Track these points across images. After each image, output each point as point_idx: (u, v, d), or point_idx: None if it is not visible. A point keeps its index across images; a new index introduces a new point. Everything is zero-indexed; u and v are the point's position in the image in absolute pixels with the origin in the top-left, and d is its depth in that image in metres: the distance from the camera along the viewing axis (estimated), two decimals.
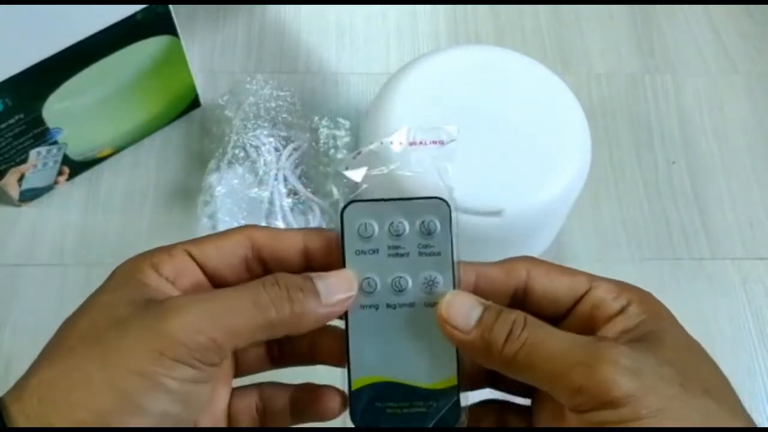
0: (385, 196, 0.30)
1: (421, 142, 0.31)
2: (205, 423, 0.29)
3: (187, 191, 0.60)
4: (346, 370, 0.30)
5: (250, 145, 0.58)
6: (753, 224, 0.62)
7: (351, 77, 0.68)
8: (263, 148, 0.58)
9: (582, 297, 0.29)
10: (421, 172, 0.30)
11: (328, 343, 0.31)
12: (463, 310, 0.28)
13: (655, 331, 0.27)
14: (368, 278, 0.30)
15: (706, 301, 0.58)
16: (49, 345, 0.27)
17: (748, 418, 0.26)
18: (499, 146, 0.49)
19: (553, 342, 0.26)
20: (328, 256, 0.30)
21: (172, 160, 0.63)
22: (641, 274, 0.59)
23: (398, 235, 0.30)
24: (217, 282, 0.30)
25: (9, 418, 0.24)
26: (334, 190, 0.31)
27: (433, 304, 0.29)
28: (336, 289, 0.28)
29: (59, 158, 0.58)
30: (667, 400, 0.24)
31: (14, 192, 0.58)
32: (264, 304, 0.27)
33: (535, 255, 0.56)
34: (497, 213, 0.47)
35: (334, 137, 0.60)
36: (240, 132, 0.59)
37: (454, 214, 0.30)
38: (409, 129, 0.31)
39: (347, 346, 0.30)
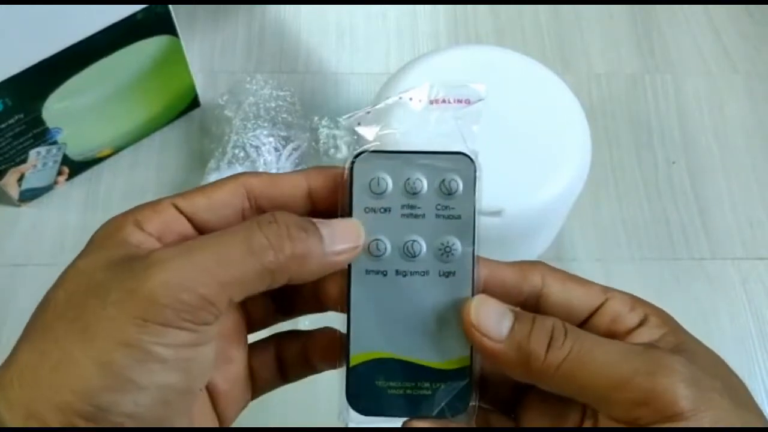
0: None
1: (443, 101, 0.27)
2: (224, 386, 0.27)
3: None
4: (345, 343, 0.27)
5: (250, 145, 0.58)
6: (753, 224, 0.62)
7: (351, 77, 0.68)
8: (263, 148, 0.58)
9: (597, 309, 0.27)
10: (442, 134, 0.27)
11: (331, 289, 0.27)
12: (493, 316, 0.25)
13: (681, 343, 0.25)
14: (377, 240, 0.26)
15: (706, 301, 0.58)
16: (27, 326, 0.24)
17: None
18: (498, 146, 0.49)
19: (603, 351, 0.24)
20: (335, 196, 0.27)
21: (172, 160, 0.63)
22: (641, 274, 0.59)
23: (414, 194, 0.26)
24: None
25: None
26: (344, 148, 0.28)
27: (448, 274, 0.27)
28: (341, 237, 0.25)
29: (59, 158, 0.58)
30: (724, 414, 0.23)
31: (14, 192, 0.58)
32: (259, 248, 0.24)
33: (535, 255, 0.57)
34: (497, 213, 0.47)
35: (334, 137, 0.60)
36: (240, 132, 0.59)
37: (479, 174, 0.27)
38: (432, 85, 0.27)
39: (348, 315, 0.27)
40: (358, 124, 0.27)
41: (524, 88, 0.52)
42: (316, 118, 0.61)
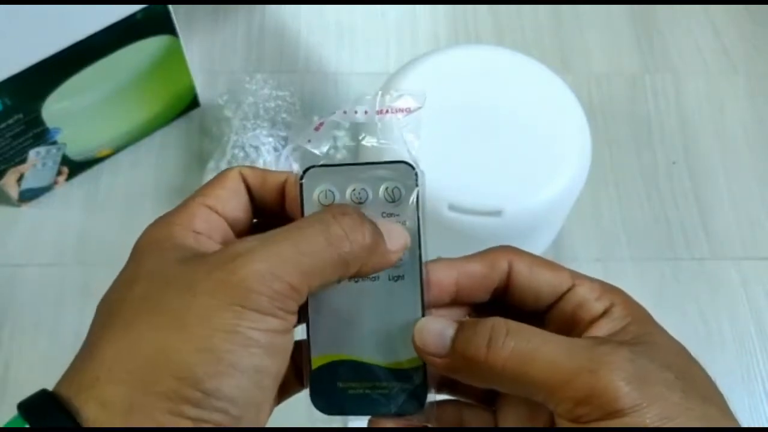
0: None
1: (387, 111, 0.28)
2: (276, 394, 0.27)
3: (187, 191, 0.60)
4: (306, 347, 0.28)
5: (250, 145, 0.58)
6: (753, 224, 0.62)
7: (351, 77, 0.68)
8: (263, 148, 0.58)
9: (564, 294, 0.27)
10: (387, 143, 0.28)
11: None
12: (435, 332, 0.26)
13: (643, 334, 0.26)
14: None
15: (706, 301, 0.58)
16: (96, 326, 0.24)
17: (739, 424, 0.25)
18: (499, 146, 0.49)
19: (549, 348, 0.24)
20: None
21: (171, 160, 0.63)
22: (641, 274, 0.59)
23: (360, 203, 0.28)
24: (237, 228, 0.28)
25: (77, 412, 0.22)
26: (294, 166, 0.29)
27: (397, 278, 0.28)
28: (396, 237, 0.27)
29: (58, 158, 0.58)
30: (672, 408, 0.23)
31: (14, 192, 0.58)
32: (337, 238, 0.25)
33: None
34: (497, 213, 0.47)
35: (334, 137, 0.60)
36: (239, 132, 0.59)
37: (420, 181, 0.28)
38: (375, 96, 0.29)
39: (307, 322, 0.28)
40: (308, 141, 0.29)
41: (524, 88, 0.52)
42: (315, 118, 0.61)
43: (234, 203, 0.28)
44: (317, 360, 0.28)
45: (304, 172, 0.28)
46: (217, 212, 0.27)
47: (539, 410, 0.27)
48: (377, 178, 0.28)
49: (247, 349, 0.23)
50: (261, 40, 0.69)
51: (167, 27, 0.54)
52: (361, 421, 0.29)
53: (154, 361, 0.22)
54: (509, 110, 0.51)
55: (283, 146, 0.59)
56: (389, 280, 0.28)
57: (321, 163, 0.28)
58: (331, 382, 0.28)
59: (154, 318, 0.23)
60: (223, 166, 0.57)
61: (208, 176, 0.57)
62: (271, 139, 0.58)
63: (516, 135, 0.50)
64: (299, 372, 0.30)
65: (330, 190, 0.28)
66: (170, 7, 0.53)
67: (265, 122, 0.59)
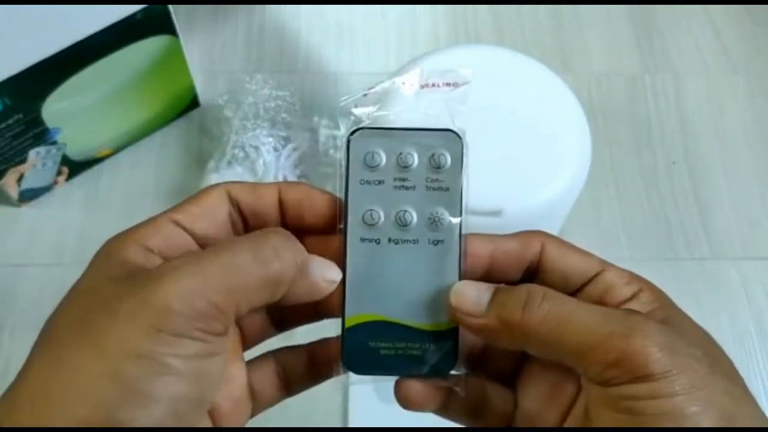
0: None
1: (433, 84, 0.29)
2: (226, 406, 0.27)
3: (187, 191, 0.60)
4: (341, 306, 0.28)
5: (250, 145, 0.58)
6: (753, 224, 0.62)
7: (351, 77, 0.68)
8: (263, 148, 0.58)
9: (592, 278, 0.28)
10: (432, 114, 0.29)
11: (331, 294, 0.28)
12: (472, 295, 0.27)
13: (669, 317, 0.26)
14: (371, 210, 0.28)
15: (706, 301, 0.58)
16: (34, 346, 0.24)
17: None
18: (498, 146, 0.49)
19: (583, 313, 0.25)
20: (304, 211, 0.28)
21: (171, 160, 0.63)
22: (641, 274, 0.59)
23: (406, 167, 0.28)
24: (208, 246, 0.27)
25: None
26: (342, 127, 0.29)
27: (437, 242, 0.28)
28: (326, 266, 0.27)
29: (58, 158, 0.58)
30: (699, 380, 0.23)
31: (13, 192, 0.58)
32: (265, 256, 0.24)
33: None
34: (497, 213, 0.47)
35: (334, 137, 0.60)
36: (239, 132, 0.59)
37: (466, 150, 0.29)
38: (422, 70, 0.30)
39: (344, 280, 0.28)
40: (355, 106, 0.29)
41: (524, 88, 0.52)
42: (315, 118, 0.61)
43: (207, 221, 0.27)
44: (351, 319, 0.28)
45: (353, 131, 0.29)
46: (185, 229, 0.26)
47: (559, 391, 0.27)
48: (424, 145, 0.29)
49: (163, 377, 0.22)
50: (261, 40, 0.69)
51: (167, 27, 0.54)
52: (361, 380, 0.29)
53: (70, 388, 0.22)
54: (509, 110, 0.50)
55: (283, 146, 0.59)
56: (429, 243, 0.28)
57: (370, 125, 0.29)
58: (363, 342, 0.28)
59: (79, 340, 0.23)
60: (223, 166, 0.57)
61: (208, 176, 0.57)
62: (271, 139, 0.58)
63: (516, 135, 0.49)
64: (284, 380, 0.30)
65: (377, 153, 0.28)
66: (170, 7, 0.53)
67: (265, 122, 0.59)
